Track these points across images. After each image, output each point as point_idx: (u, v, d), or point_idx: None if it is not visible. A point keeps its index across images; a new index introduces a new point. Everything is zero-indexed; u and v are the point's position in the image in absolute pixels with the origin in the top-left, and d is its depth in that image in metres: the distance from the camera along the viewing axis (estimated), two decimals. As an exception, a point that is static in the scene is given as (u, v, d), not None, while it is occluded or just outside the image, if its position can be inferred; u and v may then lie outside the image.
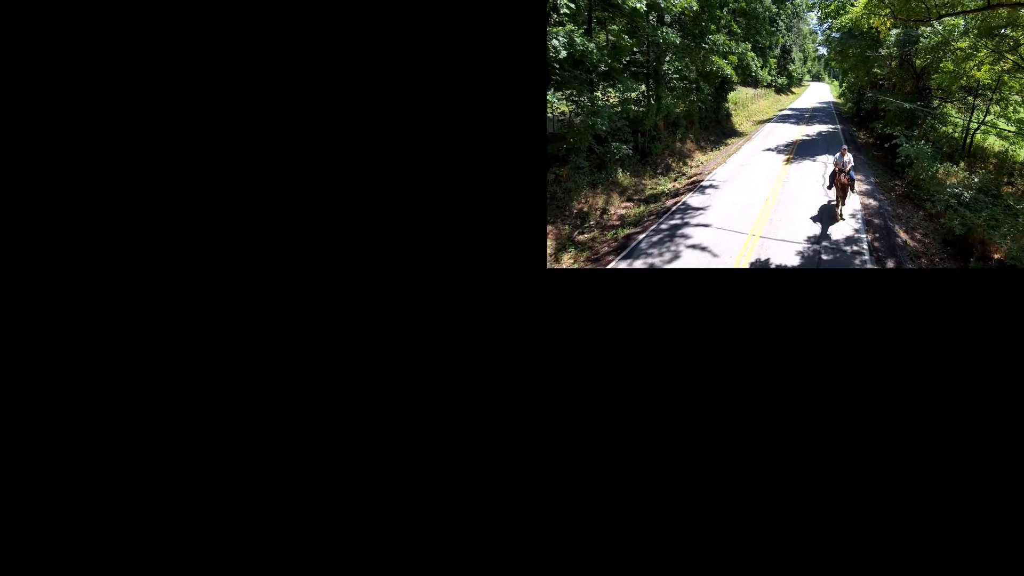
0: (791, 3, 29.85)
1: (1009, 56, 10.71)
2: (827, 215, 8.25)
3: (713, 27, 12.03)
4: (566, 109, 8.06)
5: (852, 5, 12.32)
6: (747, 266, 6.63)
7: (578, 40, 6.48)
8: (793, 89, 35.70)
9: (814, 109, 25.03)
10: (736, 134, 17.35)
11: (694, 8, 9.71)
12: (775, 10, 19.14)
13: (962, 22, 10.08)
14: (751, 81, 25.08)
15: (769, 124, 20.00)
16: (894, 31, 12.76)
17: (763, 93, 27.91)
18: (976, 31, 9.76)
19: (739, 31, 13.86)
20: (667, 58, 11.16)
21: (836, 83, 34.45)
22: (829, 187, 8.70)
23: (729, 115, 19.64)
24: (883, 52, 13.64)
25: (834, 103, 27.21)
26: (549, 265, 6.97)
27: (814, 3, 20.65)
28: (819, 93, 35.23)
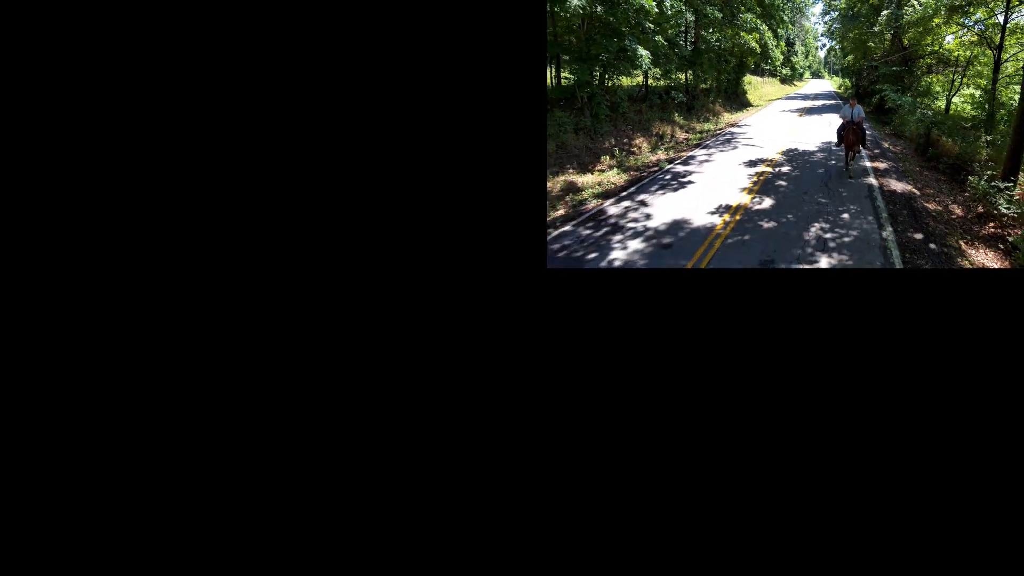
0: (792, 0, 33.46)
1: (973, 30, 14.22)
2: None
3: (743, 7, 15.62)
4: (647, 59, 11.54)
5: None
6: (783, 151, 10.16)
7: (672, 3, 9.99)
8: (795, 82, 39.23)
9: (816, 93, 28.64)
10: (752, 106, 20.95)
11: None
12: (781, 3, 22.56)
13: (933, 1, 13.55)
14: (759, 70, 28.54)
15: (779, 101, 23.63)
16: (884, 12, 16.34)
17: (769, 81, 31.53)
18: (945, 8, 13.24)
19: (758, 10, 17.42)
20: (709, 31, 14.73)
21: (835, 78, 37.94)
22: (839, 144, 8.25)
23: (745, 92, 23.22)
24: (876, 30, 17.16)
25: (834, 91, 30.69)
26: (655, 153, 10.45)
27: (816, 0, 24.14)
28: (820, 85, 38.84)
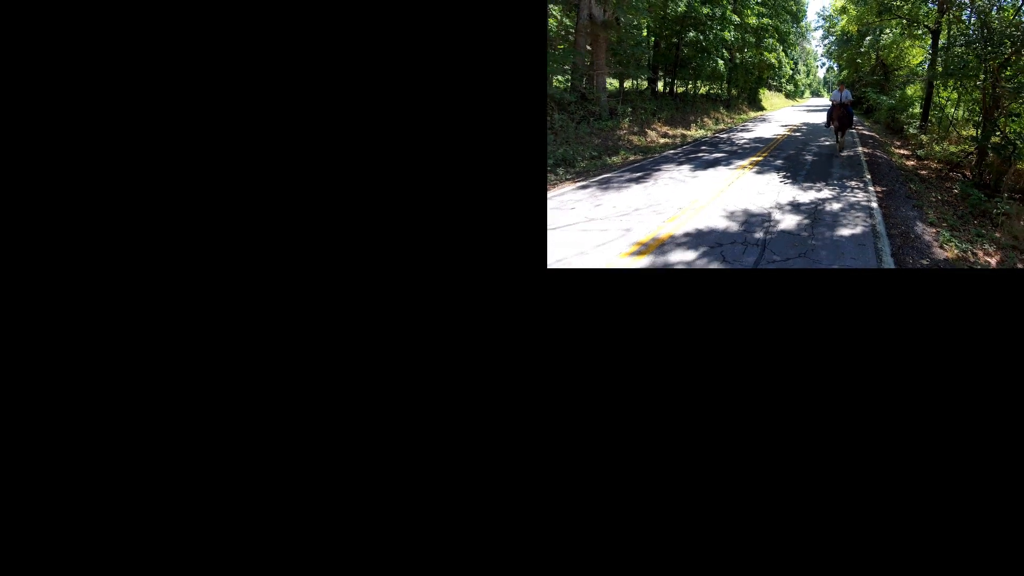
0: (798, 26, 40.62)
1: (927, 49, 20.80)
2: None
3: (766, 34, 22.40)
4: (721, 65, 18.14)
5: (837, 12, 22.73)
6: (801, 123, 16.74)
7: (733, 32, 16.59)
8: (797, 98, 46.26)
9: (818, 104, 35.56)
10: (767, 110, 27.77)
11: (764, 23, 20.11)
12: (790, 29, 29.37)
13: (898, 29, 20.22)
14: (767, 84, 35.45)
15: (787, 108, 30.52)
16: (868, 38, 23.10)
17: (776, 95, 38.49)
18: (904, 33, 19.88)
19: (776, 35, 24.23)
20: (744, 51, 21.48)
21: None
22: (827, 125, 9.92)
23: (761, 100, 30.11)
24: (863, 50, 23.90)
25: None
26: (718, 125, 17.01)
27: (817, 27, 31.01)
28: (819, 101, 45.90)
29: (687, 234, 4.59)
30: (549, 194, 6.06)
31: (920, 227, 5.21)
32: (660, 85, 17.65)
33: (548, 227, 4.74)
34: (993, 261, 4.51)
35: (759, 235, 4.62)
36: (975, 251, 4.64)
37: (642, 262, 3.95)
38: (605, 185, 6.66)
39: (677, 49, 16.70)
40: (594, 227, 4.73)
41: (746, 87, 25.29)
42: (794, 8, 28.28)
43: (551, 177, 7.06)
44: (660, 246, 4.27)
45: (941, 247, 4.62)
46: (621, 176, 7.29)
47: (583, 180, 6.94)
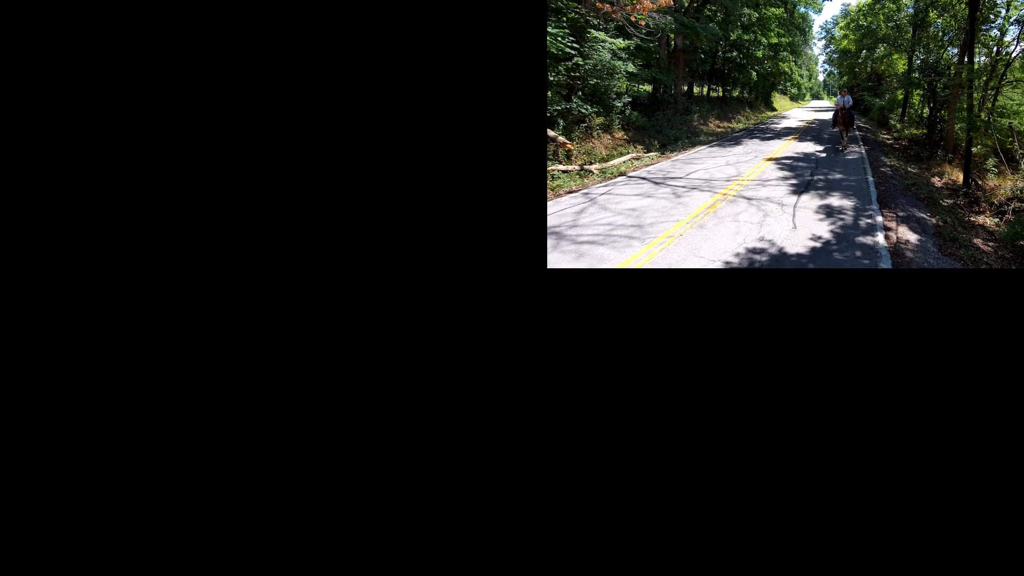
0: (804, 36, 46.73)
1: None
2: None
3: (782, 48, 28.59)
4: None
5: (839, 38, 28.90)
6: (813, 119, 22.82)
7: (762, 52, 22.70)
8: (800, 100, 52.46)
9: (821, 106, 41.80)
10: (778, 110, 33.99)
11: (783, 41, 26.38)
12: (798, 43, 35.63)
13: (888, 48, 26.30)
14: (777, 89, 41.57)
15: (796, 109, 36.83)
16: (863, 52, 29.21)
17: (782, 98, 44.65)
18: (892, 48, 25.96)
19: (789, 48, 30.44)
20: (765, 63, 27.66)
21: (834, 98, 50.52)
22: (834, 126, 12.05)
23: (773, 102, 36.31)
24: (859, 61, 30.05)
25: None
26: (749, 121, 23.10)
27: (820, 36, 37.36)
28: (821, 104, 52.17)
29: (784, 156, 10.68)
30: (693, 151, 12.00)
31: (884, 159, 11.32)
32: (695, 90, 23.77)
33: (719, 155, 10.78)
34: (914, 170, 10.52)
35: (813, 158, 10.74)
36: (906, 167, 10.66)
37: (771, 162, 9.90)
38: (720, 146, 12.69)
39: (713, 61, 22.91)
40: (736, 157, 10.74)
41: (763, 92, 31.52)
42: (801, 23, 34.49)
43: (677, 145, 12.94)
44: (776, 159, 10.29)
45: (889, 165, 10.69)
46: (723, 144, 13.32)
47: (701, 147, 12.89)
